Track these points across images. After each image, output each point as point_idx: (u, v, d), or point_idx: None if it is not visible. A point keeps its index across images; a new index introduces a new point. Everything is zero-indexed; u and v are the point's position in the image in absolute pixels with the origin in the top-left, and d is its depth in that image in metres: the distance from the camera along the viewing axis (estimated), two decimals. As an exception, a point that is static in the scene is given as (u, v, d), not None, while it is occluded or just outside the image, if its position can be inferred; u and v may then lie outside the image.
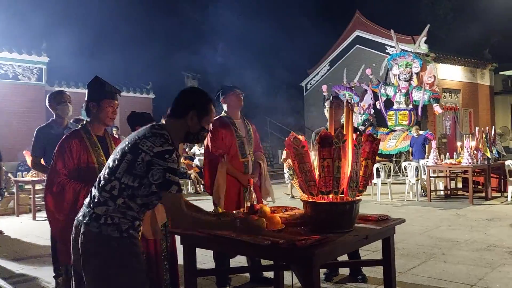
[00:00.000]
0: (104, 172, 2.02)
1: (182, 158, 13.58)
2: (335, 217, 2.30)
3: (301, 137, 2.35)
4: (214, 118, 3.93)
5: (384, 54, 16.02)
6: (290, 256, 2.12)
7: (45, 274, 4.62)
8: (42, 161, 4.12)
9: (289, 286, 3.03)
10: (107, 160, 2.92)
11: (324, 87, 16.98)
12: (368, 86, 15.51)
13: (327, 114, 3.94)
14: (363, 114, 15.70)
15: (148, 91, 16.29)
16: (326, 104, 3.97)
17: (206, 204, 3.77)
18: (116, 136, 5.01)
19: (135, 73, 15.63)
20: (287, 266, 3.11)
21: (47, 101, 4.19)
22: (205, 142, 3.89)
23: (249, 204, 2.68)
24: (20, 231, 7.28)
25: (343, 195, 2.39)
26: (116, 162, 1.98)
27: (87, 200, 2.05)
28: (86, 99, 2.98)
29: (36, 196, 8.66)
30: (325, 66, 19.14)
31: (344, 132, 2.32)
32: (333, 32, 19.34)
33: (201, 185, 13.19)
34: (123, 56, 14.84)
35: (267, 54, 22.21)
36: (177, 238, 3.14)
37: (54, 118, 4.19)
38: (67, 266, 2.85)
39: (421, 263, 4.48)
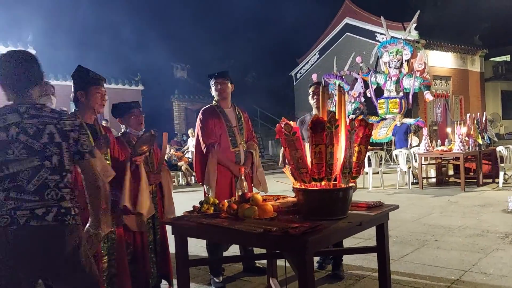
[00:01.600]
0: (44, 173, 1.91)
1: (173, 150, 13.49)
2: (328, 204, 2.25)
3: (292, 123, 2.29)
4: (204, 108, 3.86)
5: (374, 42, 15.95)
6: (283, 244, 2.07)
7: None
8: None
9: (282, 275, 3.00)
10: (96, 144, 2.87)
11: (314, 76, 16.91)
12: (358, 74, 15.47)
13: (311, 101, 3.88)
14: (353, 102, 15.68)
15: (137, 83, 16.09)
16: (310, 90, 3.90)
17: (198, 195, 3.71)
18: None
19: (123, 65, 15.41)
20: (280, 255, 3.08)
21: None
22: (195, 132, 3.83)
23: (240, 193, 2.63)
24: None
25: (335, 182, 2.35)
26: (57, 156, 1.94)
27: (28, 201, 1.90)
28: (72, 89, 2.95)
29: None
30: (315, 54, 19.02)
31: (337, 117, 2.26)
32: (322, 20, 19.25)
33: (192, 177, 13.12)
34: (111, 48, 14.63)
35: (256, 44, 22.10)
36: (168, 229, 3.10)
37: None
38: None
39: (414, 250, 4.47)
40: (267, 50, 22.13)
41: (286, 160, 2.39)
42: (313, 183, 2.28)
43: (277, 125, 2.35)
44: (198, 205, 2.70)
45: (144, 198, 3.03)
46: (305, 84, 19.42)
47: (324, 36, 18.68)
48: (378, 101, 14.78)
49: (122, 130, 3.48)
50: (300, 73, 19.76)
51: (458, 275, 3.70)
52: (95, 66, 3.22)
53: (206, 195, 3.66)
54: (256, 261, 4.03)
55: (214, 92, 3.79)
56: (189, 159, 13.46)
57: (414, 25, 15.14)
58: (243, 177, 2.71)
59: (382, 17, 15.35)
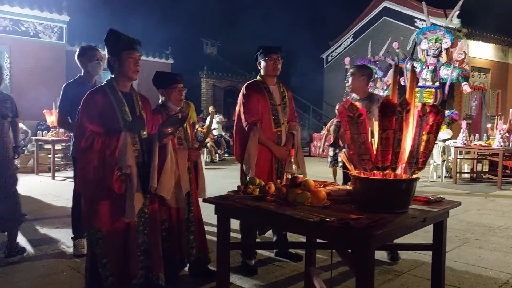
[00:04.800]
0: None
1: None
2: (391, 196, 2.05)
3: (358, 104, 2.07)
4: (248, 83, 3.66)
5: (413, 28, 15.36)
6: (342, 236, 1.89)
7: (65, 236, 4.51)
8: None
9: (327, 266, 2.83)
10: (132, 116, 2.72)
11: (347, 60, 16.41)
12: (394, 60, 14.94)
13: (351, 83, 3.68)
14: (386, 90, 15.21)
15: (168, 56, 15.96)
16: (350, 72, 3.71)
17: (221, 172, 3.57)
18: None
19: (154, 38, 15.26)
20: (322, 245, 2.91)
21: (76, 55, 3.94)
22: (237, 108, 3.64)
23: (290, 176, 2.45)
24: (39, 189, 7.21)
25: (398, 172, 2.14)
26: None
27: None
28: (106, 55, 2.79)
29: (55, 156, 8.58)
30: (349, 38, 18.50)
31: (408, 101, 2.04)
32: (358, 2, 18.64)
33: (217, 155, 13.04)
34: (143, 20, 14.47)
35: (287, 24, 21.63)
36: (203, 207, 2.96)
37: (82, 75, 3.95)
38: (90, 228, 2.68)
39: (454, 248, 4.25)
40: (298, 31, 21.66)
41: (346, 145, 2.19)
42: (375, 171, 2.08)
43: (338, 105, 2.14)
44: (242, 186, 2.53)
45: (166, 179, 2.84)
46: (336, 67, 19.00)
47: (360, 19, 18.11)
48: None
49: (160, 102, 3.31)
50: (331, 56, 19.30)
51: (506, 278, 3.47)
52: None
53: (244, 174, 3.50)
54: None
55: (265, 67, 3.54)
56: (214, 136, 13.36)
57: (457, 12, 14.49)
58: (292, 160, 2.52)
59: (423, 2, 14.70)
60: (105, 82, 2.80)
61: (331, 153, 7.74)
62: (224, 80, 17.11)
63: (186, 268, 3.39)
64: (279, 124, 3.56)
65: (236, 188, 2.50)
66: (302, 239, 4.18)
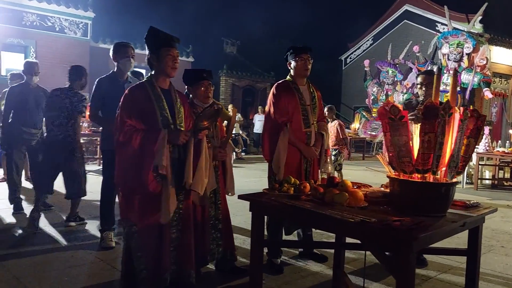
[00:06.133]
0: None
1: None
2: (431, 199, 2.05)
3: (399, 106, 2.08)
4: (278, 83, 3.67)
5: (434, 32, 15.21)
6: (383, 238, 1.90)
7: (91, 227, 4.59)
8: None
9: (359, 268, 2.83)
10: (170, 113, 2.76)
11: (367, 62, 16.36)
12: (414, 64, 14.83)
13: (419, 91, 3.69)
14: (405, 93, 15.09)
15: (188, 54, 16.06)
16: (419, 80, 3.74)
17: (240, 171, 3.58)
18: None
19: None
20: (350, 246, 2.92)
21: (111, 51, 4.01)
22: (266, 107, 3.66)
23: (325, 177, 2.47)
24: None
25: (438, 176, 2.14)
26: None
27: None
28: (147, 53, 2.84)
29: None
30: (368, 40, 18.40)
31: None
32: (379, 5, 18.53)
33: (234, 153, 13.09)
34: (165, 18, 14.63)
35: (306, 25, 21.59)
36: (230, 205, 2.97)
37: (115, 70, 4.02)
38: (126, 221, 2.74)
39: (481, 254, 4.20)
40: (317, 32, 21.61)
41: (384, 147, 2.20)
42: (415, 174, 2.08)
43: (379, 107, 2.15)
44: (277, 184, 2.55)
45: (200, 176, 2.86)
46: (355, 69, 18.92)
47: (380, 21, 18.01)
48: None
49: (189, 99, 3.34)
50: (350, 58, 19.22)
51: (535, 287, 3.44)
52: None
53: (272, 174, 3.52)
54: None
55: (295, 67, 3.56)
56: (232, 135, 13.42)
57: (480, 17, 14.31)
58: (328, 160, 2.54)
59: (445, 7, 14.55)
60: (145, 79, 2.85)
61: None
62: (243, 79, 17.15)
63: (212, 266, 3.42)
64: (309, 124, 3.57)
65: (256, 187, 2.52)
66: (325, 239, 4.19)
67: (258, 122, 15.09)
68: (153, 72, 2.84)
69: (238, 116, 14.10)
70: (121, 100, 2.74)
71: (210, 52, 16.74)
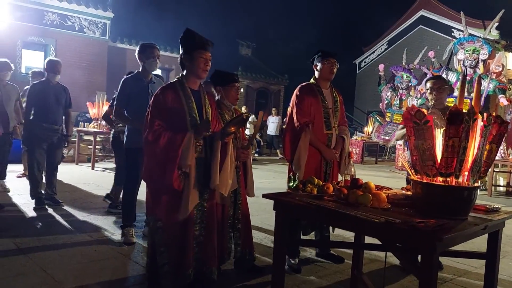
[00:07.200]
0: None
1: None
2: (453, 202, 2.10)
3: (425, 111, 2.14)
4: (301, 85, 3.75)
5: (450, 38, 15.14)
6: (407, 238, 1.96)
7: (110, 223, 4.70)
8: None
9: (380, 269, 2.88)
10: (199, 113, 2.85)
11: (381, 67, 16.35)
12: (429, 69, 14.78)
13: (429, 96, 3.75)
14: (419, 98, 15.04)
15: (203, 55, 16.21)
16: (428, 85, 3.79)
17: (254, 172, 3.66)
18: None
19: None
20: (370, 246, 2.98)
21: (136, 52, 4.12)
22: (289, 109, 3.74)
23: (348, 178, 2.53)
24: (81, 179, 7.48)
25: (460, 180, 2.20)
26: None
27: None
28: (180, 53, 2.94)
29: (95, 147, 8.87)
30: (383, 45, 18.40)
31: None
32: (394, 10, 18.51)
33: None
34: (182, 20, 14.77)
35: (321, 28, 21.62)
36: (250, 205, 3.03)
37: (140, 71, 4.13)
38: (152, 217, 2.83)
39: (495, 260, 4.23)
40: (332, 35, 21.63)
41: (409, 150, 2.26)
42: (438, 177, 2.14)
43: (404, 111, 2.22)
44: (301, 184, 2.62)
45: (225, 177, 2.95)
46: (369, 73, 18.91)
47: (395, 26, 18.00)
48: (447, 100, 14.09)
49: (216, 99, 3.43)
50: (364, 62, 19.22)
51: (551, 294, 3.46)
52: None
53: (292, 173, 3.59)
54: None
55: (321, 70, 3.64)
56: (246, 137, 13.51)
57: (496, 24, 14.25)
58: (351, 162, 2.60)
59: (462, 13, 14.51)
60: (176, 79, 2.94)
61: None
62: (257, 81, 17.25)
63: (231, 265, 3.50)
64: (330, 127, 3.64)
65: (272, 187, 2.59)
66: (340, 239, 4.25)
67: (272, 124, 15.17)
68: (184, 73, 2.94)
69: (252, 117, 14.19)
70: (152, 99, 2.84)
71: (225, 53, 16.89)
